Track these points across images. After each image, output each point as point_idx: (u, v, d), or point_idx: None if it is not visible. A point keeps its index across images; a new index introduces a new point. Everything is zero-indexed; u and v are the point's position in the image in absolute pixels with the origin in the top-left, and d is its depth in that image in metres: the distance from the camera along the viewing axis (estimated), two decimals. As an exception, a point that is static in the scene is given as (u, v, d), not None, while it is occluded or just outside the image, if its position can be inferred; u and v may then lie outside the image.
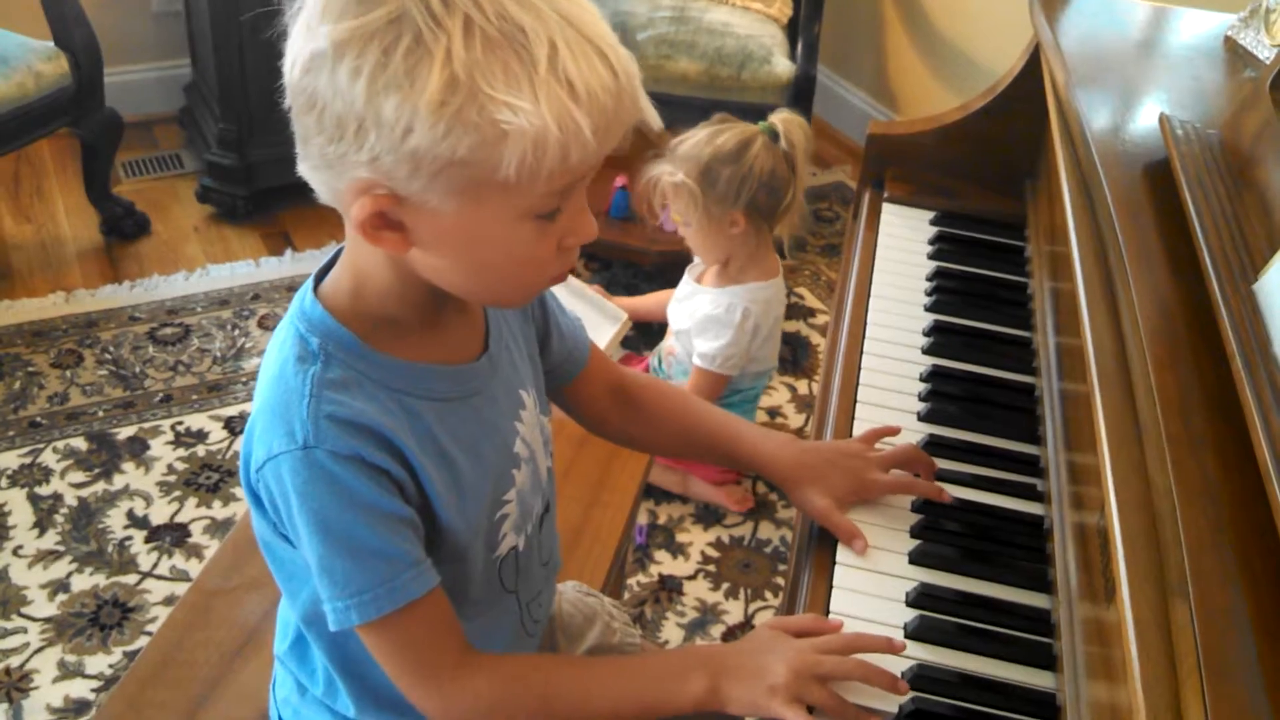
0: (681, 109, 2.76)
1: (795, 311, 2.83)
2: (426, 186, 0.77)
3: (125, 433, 2.33)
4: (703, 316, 2.14)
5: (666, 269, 2.68)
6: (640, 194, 2.16)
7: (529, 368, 1.06)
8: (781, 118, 2.06)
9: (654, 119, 0.83)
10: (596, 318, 2.32)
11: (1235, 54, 1.42)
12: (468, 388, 0.95)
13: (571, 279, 2.24)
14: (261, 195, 2.99)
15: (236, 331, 2.64)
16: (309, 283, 0.92)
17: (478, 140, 0.74)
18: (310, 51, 0.76)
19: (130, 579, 2.02)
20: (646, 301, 2.47)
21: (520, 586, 1.07)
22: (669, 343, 2.30)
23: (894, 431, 1.20)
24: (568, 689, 0.95)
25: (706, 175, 2.02)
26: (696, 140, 2.05)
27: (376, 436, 0.86)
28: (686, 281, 2.27)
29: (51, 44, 2.66)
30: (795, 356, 2.68)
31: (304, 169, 0.83)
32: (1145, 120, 1.26)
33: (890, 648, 0.97)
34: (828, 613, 1.04)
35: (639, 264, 2.85)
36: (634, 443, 1.26)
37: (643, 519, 2.20)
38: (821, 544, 1.11)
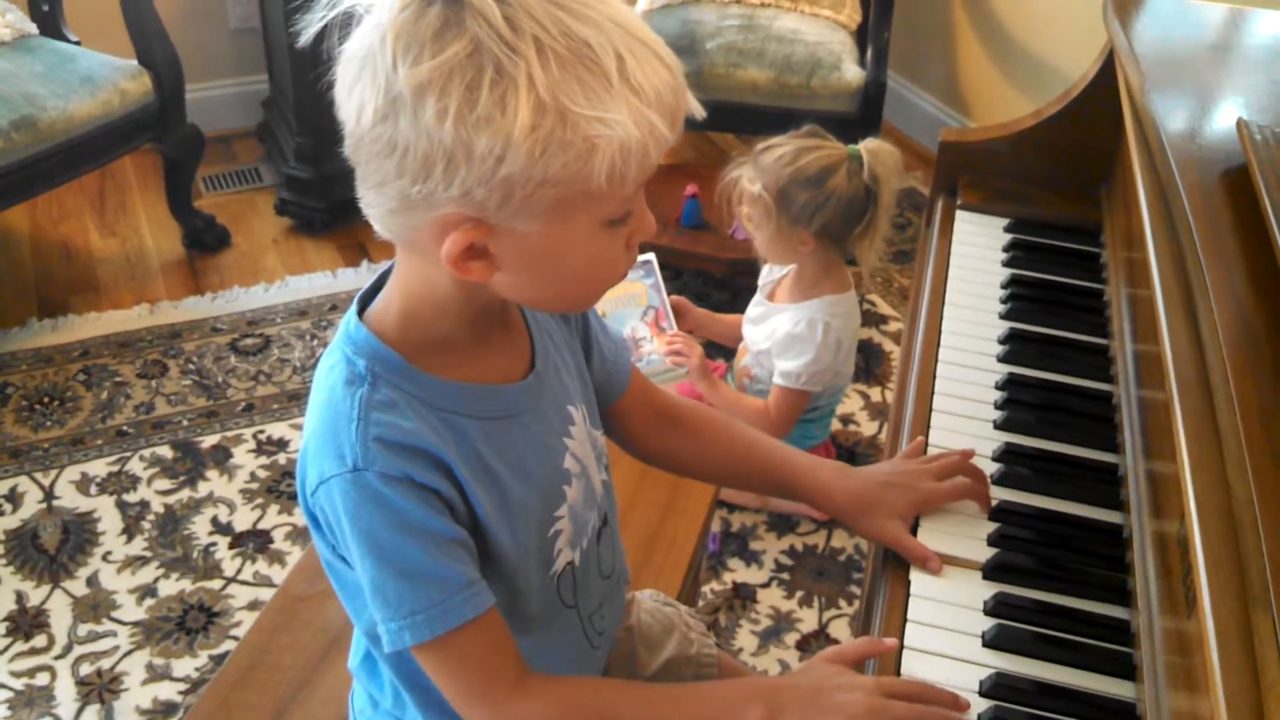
0: (751, 117, 2.77)
1: (868, 319, 2.82)
2: (516, 210, 0.78)
3: (209, 441, 2.39)
4: (784, 335, 2.11)
5: (736, 276, 2.69)
6: (720, 192, 2.12)
7: (578, 383, 1.06)
8: (870, 148, 2.00)
9: (697, 108, 0.84)
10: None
11: (1316, 56, 1.40)
12: (515, 406, 0.96)
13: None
14: (338, 207, 3.04)
15: (315, 341, 2.69)
16: (353, 307, 0.93)
17: (569, 157, 0.76)
18: (387, 99, 0.76)
19: (215, 584, 2.07)
20: (724, 321, 2.41)
21: (580, 601, 1.07)
22: (744, 363, 2.27)
23: (921, 445, 1.21)
24: (626, 716, 0.95)
25: (783, 194, 1.99)
26: (781, 154, 2.01)
27: (426, 456, 0.87)
28: (758, 301, 2.25)
29: (135, 63, 2.73)
30: (868, 364, 2.67)
31: (376, 213, 0.83)
32: (1222, 124, 1.25)
33: (956, 704, 0.95)
34: (904, 620, 1.04)
35: (709, 272, 2.86)
36: (681, 469, 1.25)
37: (716, 526, 2.21)
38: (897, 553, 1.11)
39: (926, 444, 1.23)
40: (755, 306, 2.25)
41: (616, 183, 0.78)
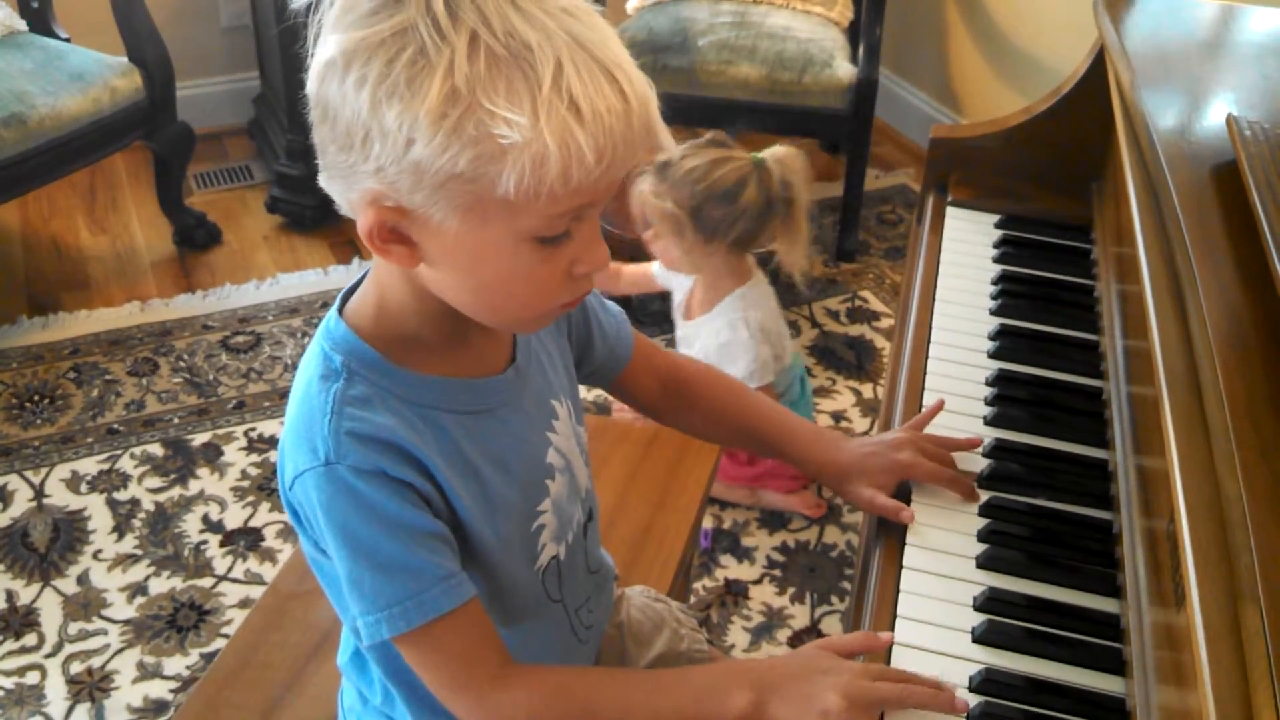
0: (744, 114, 2.77)
1: (859, 315, 2.82)
2: (430, 200, 0.78)
3: (200, 439, 2.38)
4: (715, 347, 2.11)
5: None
6: (631, 208, 2.09)
7: (563, 378, 1.06)
8: (775, 155, 2.00)
9: (670, 145, 0.82)
10: None
11: (1306, 52, 1.41)
12: (494, 400, 0.95)
13: None
14: (329, 204, 2.97)
15: (306, 339, 2.69)
16: (336, 303, 0.94)
17: (476, 154, 0.74)
18: (323, 60, 0.77)
19: (206, 582, 2.07)
20: (631, 271, 2.39)
21: (565, 595, 1.07)
22: None
23: (938, 407, 1.23)
24: (610, 702, 0.95)
25: (697, 210, 1.98)
26: (691, 169, 1.98)
27: (399, 451, 0.87)
28: (679, 323, 2.25)
29: (125, 59, 2.72)
30: (860, 360, 2.68)
31: (323, 180, 0.84)
32: (1212, 120, 1.25)
33: (938, 687, 0.94)
34: (894, 615, 1.04)
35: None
36: (688, 431, 1.28)
37: (708, 523, 2.21)
38: (888, 548, 1.11)
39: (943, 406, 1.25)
40: (678, 329, 2.26)
41: (530, 196, 0.76)
